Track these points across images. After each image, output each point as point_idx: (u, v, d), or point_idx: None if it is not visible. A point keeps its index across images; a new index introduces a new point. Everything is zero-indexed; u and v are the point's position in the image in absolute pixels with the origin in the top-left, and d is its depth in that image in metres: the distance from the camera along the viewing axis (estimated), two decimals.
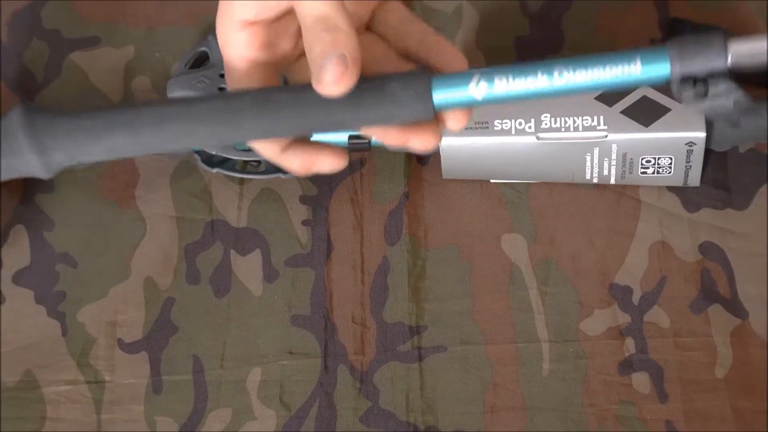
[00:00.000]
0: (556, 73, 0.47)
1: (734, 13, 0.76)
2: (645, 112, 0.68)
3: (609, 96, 0.68)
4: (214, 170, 0.72)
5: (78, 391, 0.69)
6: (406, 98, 0.48)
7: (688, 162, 0.68)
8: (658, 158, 0.68)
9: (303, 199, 0.73)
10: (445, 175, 0.70)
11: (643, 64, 0.47)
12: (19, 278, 0.72)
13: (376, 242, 0.72)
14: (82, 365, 0.70)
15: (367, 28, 0.54)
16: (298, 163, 0.50)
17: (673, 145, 0.67)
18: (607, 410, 0.66)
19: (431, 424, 0.67)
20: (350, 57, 0.46)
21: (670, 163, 0.68)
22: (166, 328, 0.71)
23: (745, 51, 0.47)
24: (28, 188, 0.75)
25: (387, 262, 0.71)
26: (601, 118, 0.68)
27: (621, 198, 0.71)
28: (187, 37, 0.78)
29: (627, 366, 0.68)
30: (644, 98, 0.68)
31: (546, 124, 0.68)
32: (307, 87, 0.48)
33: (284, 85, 0.50)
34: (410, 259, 0.71)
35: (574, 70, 0.47)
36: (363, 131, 0.50)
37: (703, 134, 0.67)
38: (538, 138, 0.68)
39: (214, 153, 0.72)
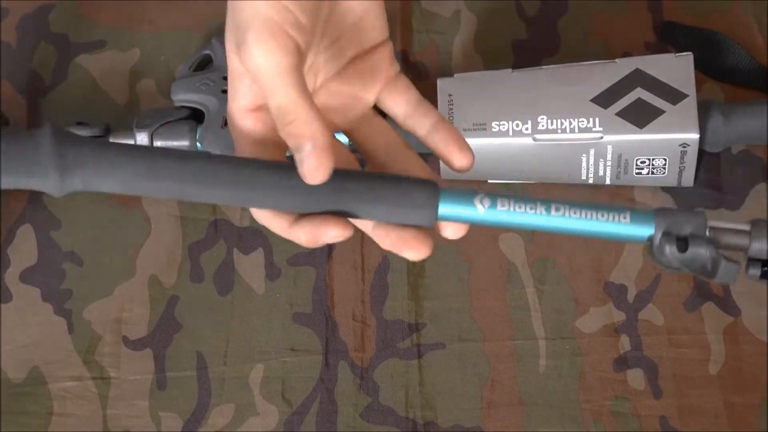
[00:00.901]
0: (553, 209, 0.48)
1: (726, 17, 0.76)
2: (640, 114, 0.67)
3: (604, 98, 0.68)
4: None
5: (84, 387, 0.69)
6: (413, 202, 0.48)
7: (681, 163, 0.68)
8: (653, 159, 0.68)
9: None
10: (443, 176, 0.69)
11: (632, 220, 0.48)
12: (26, 276, 0.72)
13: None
14: (88, 362, 0.70)
15: (375, 109, 0.53)
16: (305, 237, 0.50)
17: (667, 146, 0.67)
18: (603, 406, 0.66)
19: (430, 419, 0.67)
20: (318, 144, 0.45)
21: (664, 164, 0.68)
22: (170, 325, 0.71)
23: (725, 240, 0.48)
24: (34, 190, 0.75)
25: (387, 261, 0.71)
26: (597, 119, 0.68)
27: (616, 198, 0.71)
28: (192, 41, 0.78)
29: (622, 363, 0.67)
30: (639, 100, 0.68)
31: (542, 126, 0.68)
32: None
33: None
34: None
35: (570, 211, 0.48)
36: (365, 224, 0.50)
37: (696, 136, 0.67)
38: (534, 139, 0.68)
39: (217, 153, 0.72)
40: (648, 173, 0.69)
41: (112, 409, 0.68)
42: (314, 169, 0.46)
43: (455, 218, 0.49)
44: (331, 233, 0.49)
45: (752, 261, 0.48)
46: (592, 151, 0.68)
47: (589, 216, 0.48)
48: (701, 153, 0.69)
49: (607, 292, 0.69)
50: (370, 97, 0.52)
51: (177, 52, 0.78)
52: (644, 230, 0.48)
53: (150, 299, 0.71)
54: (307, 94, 0.46)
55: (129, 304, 0.71)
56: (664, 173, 0.69)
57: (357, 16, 0.51)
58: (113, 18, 0.79)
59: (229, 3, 0.48)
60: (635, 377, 0.67)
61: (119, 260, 0.72)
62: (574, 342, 0.68)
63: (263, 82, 0.46)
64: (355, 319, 0.70)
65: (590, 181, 0.70)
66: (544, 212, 0.48)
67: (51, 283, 0.72)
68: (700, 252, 0.47)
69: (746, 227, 0.48)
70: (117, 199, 0.74)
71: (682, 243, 0.47)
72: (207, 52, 0.75)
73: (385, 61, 0.52)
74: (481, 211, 0.49)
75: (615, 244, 0.70)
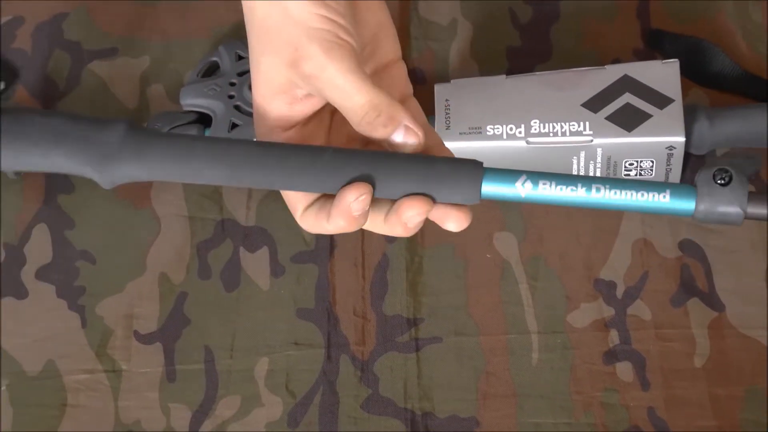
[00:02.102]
0: (594, 188, 0.48)
1: (711, 25, 0.76)
2: (628, 118, 0.67)
3: (594, 103, 0.68)
4: None
5: (96, 379, 0.69)
6: (459, 181, 0.48)
7: (668, 165, 0.68)
8: (641, 161, 0.68)
9: None
10: None
11: (672, 196, 0.48)
12: (41, 274, 0.72)
13: (376, 240, 0.72)
14: (101, 355, 0.70)
15: None
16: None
17: (654, 149, 0.67)
18: (593, 397, 0.66)
19: (428, 410, 0.67)
20: (412, 124, 0.47)
21: (652, 166, 0.68)
22: (179, 320, 0.71)
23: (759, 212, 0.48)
24: (49, 189, 0.75)
25: (386, 258, 0.71)
26: (587, 123, 0.68)
27: None
28: (199, 48, 0.78)
29: (611, 356, 0.67)
30: (627, 105, 0.68)
31: (535, 130, 0.68)
32: (375, 154, 0.48)
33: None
34: (408, 255, 0.71)
35: (611, 189, 0.48)
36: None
37: (682, 139, 0.67)
38: (527, 142, 0.68)
39: None
40: (636, 175, 0.69)
41: (123, 401, 0.68)
42: (416, 145, 0.46)
43: (498, 197, 0.49)
44: (357, 209, 0.48)
45: None
46: (582, 154, 0.68)
47: (629, 196, 0.48)
48: (687, 155, 0.69)
49: (597, 289, 0.69)
50: None
51: (185, 58, 0.78)
52: (686, 204, 0.48)
53: (160, 295, 0.71)
54: (377, 85, 0.47)
55: (140, 300, 0.71)
56: (651, 175, 0.69)
57: (372, 31, 0.51)
58: (124, 26, 0.80)
59: (266, 25, 0.48)
60: (624, 370, 0.67)
61: (130, 258, 0.72)
62: (565, 336, 0.68)
63: (340, 85, 0.47)
64: (355, 314, 0.70)
65: None
66: (584, 192, 0.48)
67: (65, 280, 0.72)
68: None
69: None
70: (128, 200, 0.74)
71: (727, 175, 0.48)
72: (214, 59, 0.75)
73: (402, 80, 0.53)
74: (522, 193, 0.48)
75: (605, 243, 0.70)
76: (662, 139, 0.67)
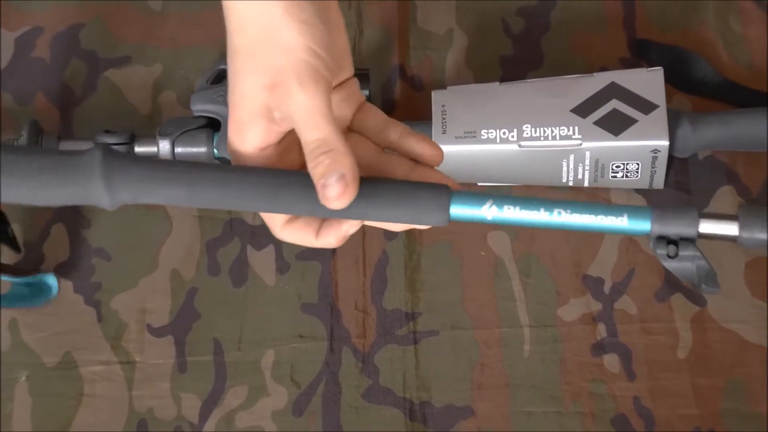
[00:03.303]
0: (555, 212, 0.48)
1: (694, 35, 0.76)
2: (615, 123, 0.68)
3: (583, 108, 0.68)
4: None
5: (112, 370, 0.69)
6: (428, 206, 0.48)
7: (653, 167, 0.68)
8: (627, 164, 0.68)
9: None
10: None
11: (629, 219, 0.48)
12: (59, 270, 0.72)
13: (377, 238, 0.72)
14: (116, 347, 0.70)
15: (349, 129, 0.54)
16: (332, 239, 0.50)
17: (640, 152, 0.67)
18: (581, 387, 0.67)
19: (425, 399, 0.67)
20: (349, 176, 0.46)
21: (637, 168, 0.68)
22: (189, 314, 0.71)
23: (712, 229, 0.48)
24: None
25: (386, 256, 0.71)
26: (576, 128, 0.68)
27: (594, 199, 0.71)
28: (209, 56, 0.78)
29: (599, 348, 0.68)
30: (614, 111, 0.68)
31: (527, 134, 0.68)
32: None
33: None
34: (407, 253, 0.71)
35: (572, 213, 0.48)
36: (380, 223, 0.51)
37: (666, 142, 0.67)
38: (520, 146, 0.68)
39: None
40: (623, 177, 0.69)
41: (137, 391, 0.69)
42: (339, 195, 0.46)
43: (465, 219, 0.49)
44: (351, 229, 0.49)
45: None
46: (572, 157, 0.68)
47: (588, 220, 0.48)
48: (671, 158, 0.69)
49: (586, 285, 0.69)
50: (348, 114, 0.53)
51: (195, 66, 0.78)
52: (642, 226, 0.48)
53: (171, 291, 0.71)
54: (340, 130, 0.47)
55: (152, 295, 0.71)
56: (637, 176, 0.69)
57: (339, 53, 0.52)
58: (138, 36, 0.80)
59: (253, 49, 0.48)
60: (611, 361, 0.67)
61: (143, 256, 0.73)
62: (555, 329, 0.68)
63: (304, 117, 0.47)
64: (357, 309, 0.70)
65: (570, 183, 0.70)
66: (547, 215, 0.48)
67: (82, 277, 0.72)
68: (686, 264, 0.47)
69: (735, 228, 0.48)
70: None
71: (673, 247, 0.48)
72: (222, 66, 0.75)
73: (356, 92, 0.54)
74: (488, 216, 0.49)
75: (593, 242, 0.70)
76: (647, 142, 0.67)
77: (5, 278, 0.69)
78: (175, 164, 0.49)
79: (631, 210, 0.48)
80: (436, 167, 0.52)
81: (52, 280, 0.71)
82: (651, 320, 0.68)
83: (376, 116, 0.54)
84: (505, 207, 0.48)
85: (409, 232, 0.72)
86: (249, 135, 0.50)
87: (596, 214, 0.48)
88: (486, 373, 0.68)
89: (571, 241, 0.71)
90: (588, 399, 0.66)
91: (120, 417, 0.68)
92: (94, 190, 0.48)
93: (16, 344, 0.70)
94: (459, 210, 0.49)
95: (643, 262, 0.69)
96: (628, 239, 0.70)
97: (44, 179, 0.48)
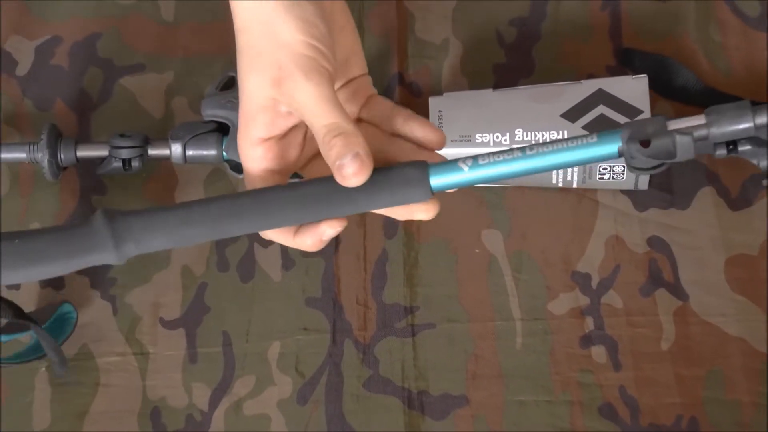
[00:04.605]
0: (527, 150, 0.47)
1: (677, 45, 0.76)
2: (602, 128, 0.67)
3: (572, 113, 0.68)
4: (241, 176, 0.73)
5: (126, 361, 0.69)
6: (408, 184, 0.48)
7: None
8: (613, 166, 0.68)
9: None
10: None
11: (599, 138, 0.47)
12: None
13: (377, 236, 0.72)
14: (130, 339, 0.70)
15: (358, 120, 0.55)
16: (311, 241, 0.51)
17: None
18: (570, 377, 0.67)
19: (423, 388, 0.67)
20: (363, 153, 0.47)
21: (623, 171, 0.69)
22: (200, 308, 0.71)
23: (682, 123, 0.48)
24: (84, 191, 0.75)
25: (386, 253, 0.71)
26: (565, 132, 0.68)
27: (582, 199, 0.72)
28: (218, 64, 0.78)
29: (587, 340, 0.68)
30: (601, 116, 0.68)
31: (519, 137, 0.68)
32: (330, 181, 0.48)
33: (310, 180, 0.51)
34: (405, 250, 0.72)
35: (543, 148, 0.47)
36: (376, 211, 0.51)
37: None
38: None
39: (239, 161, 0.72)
40: (609, 178, 0.69)
41: (150, 380, 0.69)
42: (357, 171, 0.46)
43: (448, 186, 0.49)
44: (329, 231, 0.50)
45: (718, 145, 0.47)
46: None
47: (561, 147, 0.47)
48: None
49: (574, 280, 0.70)
50: (354, 109, 0.54)
51: (205, 74, 0.78)
52: (613, 145, 0.47)
53: (183, 286, 0.72)
54: (348, 115, 0.48)
55: (165, 290, 0.71)
56: (623, 178, 0.69)
57: (345, 55, 0.53)
58: (151, 45, 0.80)
59: (256, 47, 0.49)
60: (598, 353, 0.67)
61: (156, 252, 0.71)
62: (545, 323, 0.68)
63: (312, 106, 0.48)
64: (358, 303, 0.70)
65: (560, 184, 0.70)
66: (521, 155, 0.47)
67: (98, 273, 0.72)
68: (660, 142, 0.46)
69: (702, 120, 0.47)
70: (154, 201, 0.74)
71: (646, 142, 0.47)
72: (231, 74, 0.75)
73: (367, 86, 0.54)
74: (466, 170, 0.48)
75: (581, 240, 0.70)
76: None
77: (33, 330, 0.66)
78: (169, 210, 0.49)
79: (600, 132, 0.47)
80: (438, 151, 0.52)
81: (68, 307, 0.70)
82: (636, 314, 0.68)
83: (383, 104, 0.54)
84: (480, 160, 0.48)
85: (407, 231, 0.72)
86: (255, 127, 0.50)
87: (568, 143, 0.47)
88: (480, 363, 0.68)
89: (560, 239, 0.71)
90: (576, 388, 0.66)
91: (134, 405, 0.68)
92: (105, 254, 0.49)
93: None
94: (439, 180, 0.48)
95: (628, 259, 0.70)
96: (615, 238, 0.70)
97: (48, 256, 0.48)
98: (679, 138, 0.46)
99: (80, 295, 0.71)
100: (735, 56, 0.75)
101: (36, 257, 0.48)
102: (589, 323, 0.68)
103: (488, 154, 0.48)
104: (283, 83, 0.48)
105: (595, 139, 0.47)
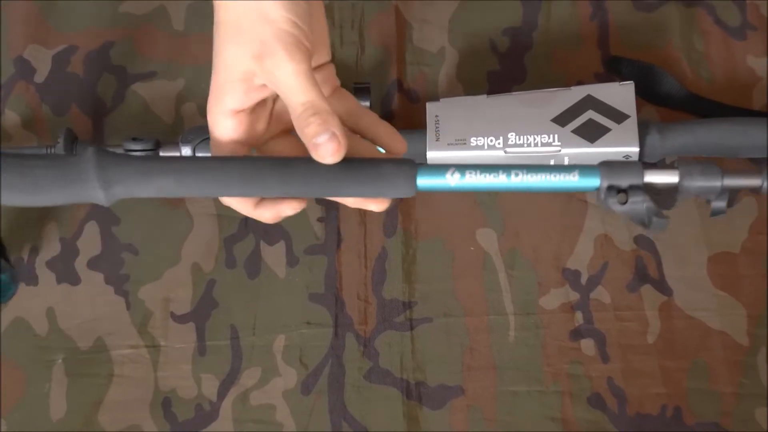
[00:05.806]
0: (513, 173, 0.48)
1: (662, 53, 0.76)
2: (591, 132, 0.68)
3: (562, 118, 0.68)
4: None
5: (139, 353, 0.70)
6: (397, 179, 0.48)
7: None
8: None
9: (318, 201, 0.74)
10: None
11: (580, 175, 0.48)
12: (92, 264, 0.73)
13: (377, 235, 0.72)
14: (142, 333, 0.70)
15: None
16: (268, 214, 0.51)
17: (613, 157, 0.67)
18: (561, 369, 0.67)
19: (420, 380, 0.67)
20: (339, 134, 0.47)
21: None
22: (209, 303, 0.71)
23: (656, 178, 0.48)
24: None
25: (385, 251, 0.72)
26: (556, 136, 0.68)
27: (572, 200, 0.72)
28: None
29: (576, 334, 0.68)
30: (590, 120, 0.68)
31: (512, 141, 0.69)
32: (316, 162, 0.48)
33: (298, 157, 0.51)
34: (404, 248, 0.72)
35: (527, 173, 0.48)
36: (347, 199, 0.51)
37: (637, 149, 0.67)
38: (505, 152, 0.68)
39: None
40: None
41: (161, 372, 0.69)
42: (334, 151, 0.46)
43: (431, 189, 0.49)
44: (288, 211, 0.50)
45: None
46: (552, 162, 0.68)
47: (544, 178, 0.48)
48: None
49: (565, 277, 0.70)
50: (326, 93, 0.53)
51: None
52: (592, 182, 0.47)
53: (192, 282, 0.72)
54: (324, 95, 0.47)
55: (175, 286, 0.71)
56: None
57: (317, 37, 0.52)
58: (163, 54, 0.80)
59: (239, 22, 0.48)
60: (587, 346, 0.67)
61: (168, 250, 0.73)
62: (537, 317, 0.68)
63: (292, 83, 0.47)
64: (359, 299, 0.70)
65: None
66: (505, 178, 0.48)
67: (112, 269, 0.72)
68: (637, 206, 0.47)
69: (675, 176, 0.47)
70: (165, 201, 0.74)
71: (623, 195, 0.47)
72: None
73: (332, 76, 0.54)
74: (452, 183, 0.48)
75: (571, 238, 0.70)
76: (620, 149, 0.67)
77: None
78: (161, 159, 0.49)
79: (581, 168, 0.48)
80: (435, 153, 0.52)
81: (5, 278, 0.68)
82: (623, 308, 0.68)
83: (349, 101, 0.54)
84: (467, 173, 0.48)
85: (406, 230, 0.72)
86: (227, 98, 0.50)
87: (550, 172, 0.48)
88: (475, 356, 0.68)
89: (551, 237, 0.71)
90: (567, 379, 0.66)
91: (146, 395, 0.68)
92: (90, 189, 0.48)
93: (53, 330, 0.70)
94: (425, 181, 0.48)
95: (616, 256, 0.70)
96: (603, 236, 0.70)
97: (42, 181, 0.47)
98: (656, 220, 0.47)
99: (95, 290, 0.72)
100: (716, 64, 0.75)
101: (27, 174, 0.47)
102: (579, 318, 0.68)
103: (474, 171, 0.48)
104: (264, 58, 0.48)
105: (576, 178, 0.48)
